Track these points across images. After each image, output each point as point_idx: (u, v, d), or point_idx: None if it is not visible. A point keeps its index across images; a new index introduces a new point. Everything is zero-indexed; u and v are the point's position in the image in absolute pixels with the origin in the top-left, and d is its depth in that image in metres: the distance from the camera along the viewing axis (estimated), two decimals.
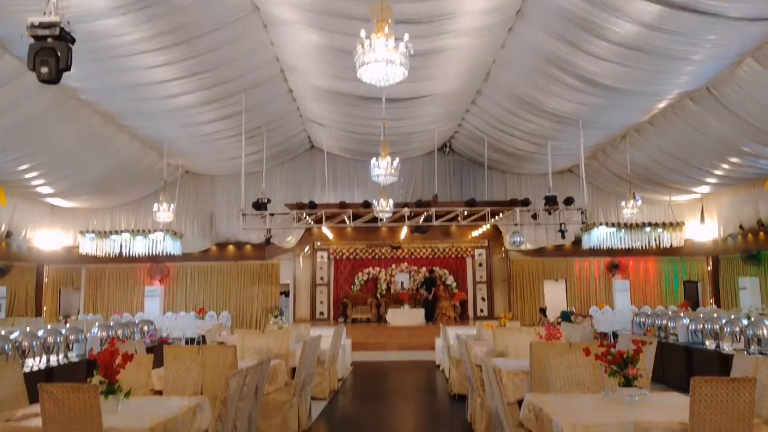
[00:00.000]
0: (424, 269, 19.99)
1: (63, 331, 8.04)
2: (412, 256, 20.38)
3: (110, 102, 12.26)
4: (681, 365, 9.09)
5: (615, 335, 11.03)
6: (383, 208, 13.41)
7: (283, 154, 18.41)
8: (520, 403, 5.15)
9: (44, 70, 4.71)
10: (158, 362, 6.45)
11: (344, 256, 20.38)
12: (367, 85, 6.73)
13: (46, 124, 11.94)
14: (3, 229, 16.11)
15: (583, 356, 5.22)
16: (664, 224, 17.20)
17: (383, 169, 10.28)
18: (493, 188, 18.72)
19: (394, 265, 20.34)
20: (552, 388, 5.32)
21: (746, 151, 12.80)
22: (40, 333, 7.64)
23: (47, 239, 18.21)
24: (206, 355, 6.14)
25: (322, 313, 19.81)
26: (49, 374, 6.91)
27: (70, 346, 8.08)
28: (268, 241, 15.41)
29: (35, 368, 6.87)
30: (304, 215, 16.23)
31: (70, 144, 13.29)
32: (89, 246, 16.86)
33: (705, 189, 16.70)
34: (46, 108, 11.39)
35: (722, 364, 7.73)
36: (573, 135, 13.78)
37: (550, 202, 14.28)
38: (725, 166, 14.12)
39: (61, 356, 7.75)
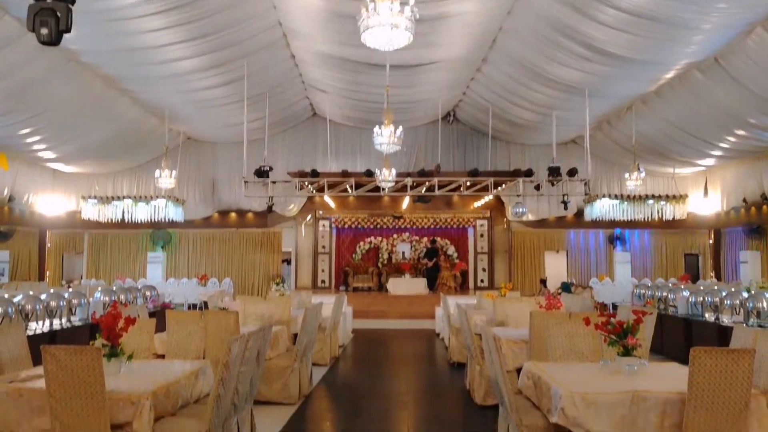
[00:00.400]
0: (425, 239, 20.03)
1: (66, 296, 8.09)
2: (414, 227, 20.40)
3: (111, 65, 12.11)
4: (680, 337, 9.15)
5: (614, 307, 11.07)
6: (386, 177, 13.36)
7: (286, 121, 18.28)
8: (518, 371, 5.19)
9: (44, 31, 4.61)
10: (161, 327, 6.50)
11: (346, 226, 20.40)
12: (371, 51, 6.63)
13: (46, 88, 11.82)
14: (5, 193, 16.12)
15: (582, 326, 5.24)
16: (667, 197, 17.13)
17: (386, 137, 10.19)
18: (497, 158, 18.61)
19: (395, 235, 20.38)
20: (551, 356, 5.36)
21: (752, 123, 12.67)
22: (43, 297, 7.69)
23: (49, 204, 18.23)
24: (208, 321, 6.19)
25: (323, 282, 19.94)
26: (52, 337, 6.97)
27: (73, 310, 8.13)
28: (270, 209, 15.39)
29: (38, 331, 6.93)
30: (306, 184, 16.19)
31: (71, 108, 13.19)
32: (91, 211, 16.86)
33: (709, 162, 16.60)
34: (46, 71, 11.26)
35: (721, 336, 7.78)
36: (578, 105, 13.64)
37: (554, 173, 14.19)
38: (731, 138, 14.00)
39: (64, 320, 7.81)
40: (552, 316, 5.95)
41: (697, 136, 14.49)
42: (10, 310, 6.66)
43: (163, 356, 6.17)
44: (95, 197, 17.03)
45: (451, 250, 20.13)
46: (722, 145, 14.58)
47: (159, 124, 15.87)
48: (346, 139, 18.96)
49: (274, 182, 14.89)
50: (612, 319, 4.46)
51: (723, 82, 11.48)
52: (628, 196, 16.93)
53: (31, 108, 12.41)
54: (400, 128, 10.23)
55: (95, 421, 3.67)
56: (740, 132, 13.42)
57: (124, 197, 17.00)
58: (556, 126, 14.80)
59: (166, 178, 14.75)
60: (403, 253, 20.16)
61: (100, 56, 11.63)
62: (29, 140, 14.14)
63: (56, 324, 7.53)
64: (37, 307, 7.32)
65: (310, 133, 19.08)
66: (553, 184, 15.18)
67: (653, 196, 17.16)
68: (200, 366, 4.80)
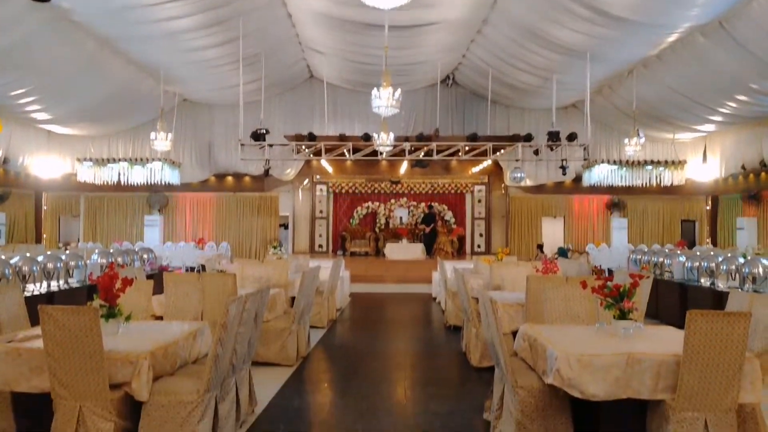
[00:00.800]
0: (423, 205, 20.01)
1: (63, 257, 8.09)
2: (412, 192, 20.35)
3: (104, 24, 11.86)
4: (675, 302, 9.22)
5: (610, 272, 11.14)
6: (384, 141, 13.25)
7: (282, 83, 18.04)
8: (514, 334, 5.24)
9: None
10: (158, 290, 6.51)
11: (343, 190, 20.34)
12: (369, 11, 6.48)
13: (38, 47, 11.59)
14: (0, 155, 15.97)
15: (578, 289, 5.27)
16: (666, 162, 17.07)
17: (384, 99, 10.04)
18: (496, 123, 18.46)
19: (393, 200, 20.35)
20: (547, 320, 5.40)
21: (754, 89, 12.55)
22: (40, 258, 7.69)
23: (45, 166, 18.10)
24: (206, 282, 6.20)
25: (321, 246, 19.99)
26: (49, 298, 6.99)
27: (71, 272, 8.13)
28: (266, 173, 15.32)
29: (36, 293, 6.94)
30: (303, 147, 16.06)
31: (64, 68, 12.96)
32: (87, 174, 16.75)
33: (710, 127, 16.50)
34: (37, 30, 11.01)
35: (716, 301, 7.83)
36: (579, 68, 13.47)
37: (553, 137, 14.11)
38: (731, 103, 13.89)
39: (61, 282, 7.81)
40: (549, 280, 5.97)
41: (697, 101, 14.37)
42: (7, 271, 6.65)
43: (161, 318, 6.20)
44: (91, 159, 16.89)
45: (449, 215, 20.13)
46: (722, 110, 14.47)
47: (154, 86, 15.65)
48: (343, 103, 18.75)
49: (270, 145, 14.78)
50: (609, 283, 4.48)
51: (726, 46, 11.32)
52: (627, 162, 16.88)
53: (22, 68, 12.20)
54: (399, 90, 10.08)
55: (94, 380, 3.70)
56: (741, 97, 13.30)
57: (119, 159, 16.86)
58: (556, 90, 14.65)
59: (161, 141, 14.62)
60: (401, 218, 20.16)
61: (92, 14, 11.37)
62: (22, 101, 13.95)
63: (54, 286, 7.54)
64: (34, 268, 7.31)
65: (307, 96, 18.86)
66: (552, 149, 15.10)
67: (652, 162, 17.10)
68: (198, 327, 4.83)
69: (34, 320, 4.56)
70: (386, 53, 10.35)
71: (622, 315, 4.38)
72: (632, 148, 14.95)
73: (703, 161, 18.09)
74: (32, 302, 5.50)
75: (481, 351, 6.52)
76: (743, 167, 16.52)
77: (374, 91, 10.13)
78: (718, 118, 15.24)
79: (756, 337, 4.31)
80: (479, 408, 5.03)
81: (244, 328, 4.30)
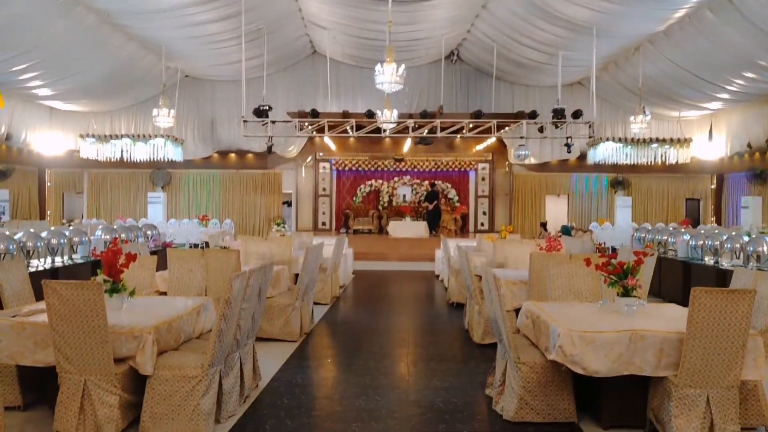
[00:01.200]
0: (426, 182, 19.95)
1: (67, 233, 8.09)
2: (415, 169, 20.29)
3: None
4: (678, 280, 9.21)
5: (614, 250, 11.11)
6: (387, 118, 13.14)
7: (285, 59, 17.88)
8: (516, 311, 5.25)
9: None
10: (162, 267, 6.54)
11: (347, 168, 20.29)
12: None
13: (38, 22, 11.46)
14: (2, 131, 15.93)
15: (582, 266, 5.27)
16: (671, 140, 16.94)
17: (388, 75, 9.92)
18: (500, 100, 18.30)
19: (396, 178, 20.30)
20: (550, 297, 5.40)
21: (762, 65, 12.38)
22: (44, 234, 7.69)
23: (47, 143, 18.05)
24: (210, 259, 6.21)
25: (324, 224, 20.01)
26: (54, 274, 7.00)
27: (75, 248, 8.15)
28: (269, 150, 15.23)
29: (40, 268, 6.96)
30: (306, 124, 15.96)
31: (64, 44, 12.84)
32: (90, 150, 16.68)
33: (716, 105, 16.34)
34: (36, 4, 10.88)
35: (720, 279, 7.82)
36: (585, 45, 13.29)
37: (558, 114, 13.97)
38: (739, 81, 13.73)
39: (65, 258, 7.83)
40: (552, 258, 5.97)
41: (704, 78, 14.20)
42: (11, 246, 6.66)
43: (165, 293, 6.23)
44: (93, 136, 16.82)
45: (452, 193, 20.09)
46: (730, 87, 14.31)
47: (156, 61, 15.52)
48: (346, 79, 18.61)
49: (273, 122, 14.67)
50: (613, 260, 4.47)
51: (734, 22, 11.14)
52: (632, 140, 16.74)
53: (22, 43, 12.08)
54: (403, 66, 9.95)
55: (98, 354, 3.72)
56: (748, 74, 13.14)
57: (122, 136, 16.78)
58: (561, 67, 14.48)
59: (164, 117, 14.52)
60: (404, 196, 20.13)
61: None
62: (23, 77, 13.86)
63: (58, 261, 7.56)
64: (38, 244, 7.33)
65: (310, 73, 18.70)
66: (557, 127, 14.96)
67: (657, 140, 16.96)
68: (202, 302, 4.85)
69: (39, 295, 4.58)
70: (390, 28, 10.23)
71: (626, 292, 4.38)
72: (638, 125, 14.82)
73: (709, 139, 17.93)
74: (36, 278, 5.53)
75: (483, 328, 6.54)
76: (749, 145, 16.38)
77: (378, 67, 10.02)
78: (725, 96, 15.08)
79: (760, 315, 4.30)
80: (481, 384, 5.06)
81: (247, 303, 4.32)
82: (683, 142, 16.89)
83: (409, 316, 8.82)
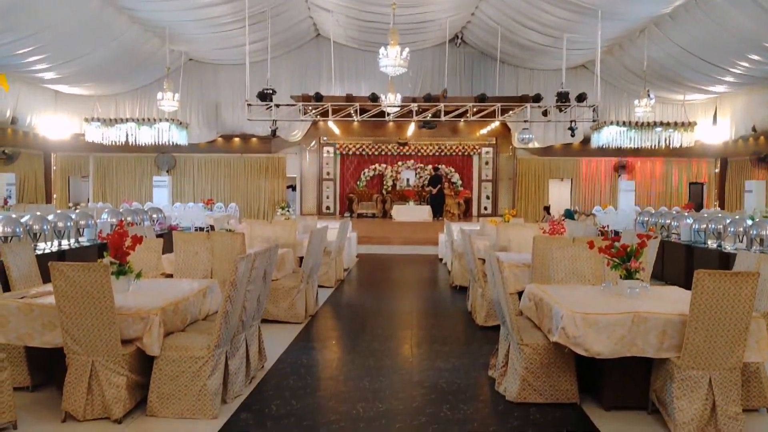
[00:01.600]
0: (430, 167, 19.93)
1: (73, 216, 8.14)
2: (419, 153, 20.26)
3: None
4: (681, 263, 9.22)
5: (617, 234, 11.12)
6: (391, 102, 13.10)
7: (289, 42, 17.79)
8: (519, 294, 5.27)
9: None
10: (168, 249, 6.57)
11: (351, 152, 20.28)
12: None
13: (43, 5, 11.43)
14: (8, 115, 15.95)
15: (585, 249, 5.28)
16: (675, 124, 16.85)
17: (392, 58, 9.91)
18: (504, 84, 18.21)
19: (400, 162, 20.28)
20: (553, 280, 5.43)
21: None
22: (51, 217, 7.74)
23: (53, 126, 18.06)
24: (215, 241, 6.25)
25: (328, 208, 20.05)
26: (60, 257, 7.05)
27: (81, 231, 8.20)
28: (273, 134, 15.21)
29: (47, 251, 7.01)
30: (310, 108, 15.92)
31: (69, 27, 12.80)
32: (95, 134, 16.69)
33: (721, 88, 16.23)
34: None
35: (723, 262, 7.83)
36: (590, 27, 13.18)
37: (563, 98, 13.90)
38: (744, 64, 13.63)
39: (72, 240, 7.88)
40: (555, 241, 5.98)
41: (709, 61, 14.10)
42: (18, 230, 6.71)
43: (171, 276, 6.28)
44: (98, 119, 16.82)
45: (456, 177, 20.07)
46: (735, 70, 14.21)
47: (160, 45, 15.48)
48: (350, 62, 18.52)
49: (277, 105, 14.63)
50: (616, 243, 4.48)
51: (741, 4, 11.05)
52: (636, 123, 16.67)
53: (26, 27, 12.06)
54: (407, 49, 9.93)
55: (105, 335, 3.77)
56: (755, 57, 13.05)
57: (127, 120, 16.78)
58: (566, 50, 14.37)
59: (168, 101, 14.51)
60: (408, 180, 20.12)
61: None
62: (27, 60, 13.84)
63: (64, 244, 7.61)
64: (45, 227, 7.37)
65: (313, 56, 18.61)
66: (561, 110, 14.88)
67: (662, 124, 16.88)
68: (208, 284, 4.89)
69: (46, 278, 4.63)
70: (393, 11, 10.17)
71: (629, 275, 4.39)
72: (642, 109, 14.74)
73: (714, 123, 17.84)
74: (43, 260, 5.57)
75: (486, 310, 6.58)
76: (754, 129, 16.30)
77: (381, 50, 10.00)
78: (730, 79, 14.98)
79: (763, 298, 4.32)
80: (484, 365, 5.11)
81: (253, 285, 4.35)
82: (687, 125, 16.81)
83: (412, 299, 8.87)
